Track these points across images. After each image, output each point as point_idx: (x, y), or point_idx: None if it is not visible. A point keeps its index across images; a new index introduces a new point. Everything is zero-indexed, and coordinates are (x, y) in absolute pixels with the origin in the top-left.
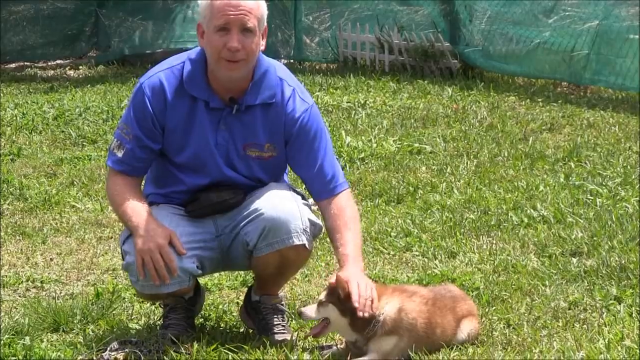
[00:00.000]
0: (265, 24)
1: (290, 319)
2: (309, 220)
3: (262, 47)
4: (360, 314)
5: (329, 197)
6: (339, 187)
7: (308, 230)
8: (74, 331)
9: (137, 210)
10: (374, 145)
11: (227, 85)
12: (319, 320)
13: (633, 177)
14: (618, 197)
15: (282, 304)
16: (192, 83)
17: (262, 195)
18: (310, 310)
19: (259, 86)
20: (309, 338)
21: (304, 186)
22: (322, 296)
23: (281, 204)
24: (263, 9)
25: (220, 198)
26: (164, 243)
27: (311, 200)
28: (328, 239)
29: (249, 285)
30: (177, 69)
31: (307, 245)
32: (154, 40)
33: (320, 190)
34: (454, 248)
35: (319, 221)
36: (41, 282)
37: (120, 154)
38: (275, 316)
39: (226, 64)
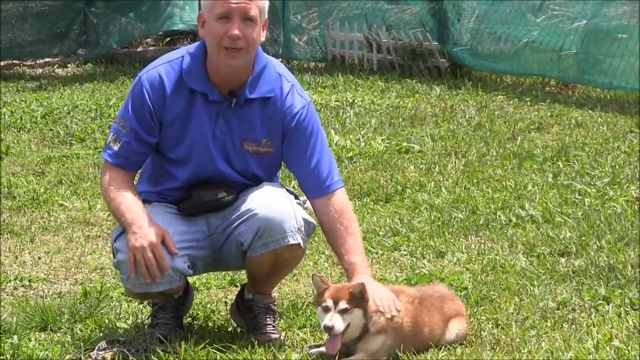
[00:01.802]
0: (266, 15)
1: (279, 318)
2: (303, 219)
3: (262, 38)
4: (388, 316)
5: (325, 195)
6: (335, 185)
7: (302, 229)
8: (62, 330)
9: (131, 206)
10: (362, 144)
11: (227, 77)
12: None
13: (621, 176)
14: (606, 196)
15: (274, 304)
16: (191, 76)
17: (256, 195)
18: (338, 321)
19: (258, 80)
20: (301, 340)
21: (292, 184)
22: (342, 304)
23: (275, 204)
24: (264, 0)
25: (213, 196)
26: (157, 241)
27: (302, 198)
28: (324, 239)
29: (239, 284)
30: (177, 62)
31: (301, 245)
32: (142, 38)
33: (315, 188)
34: (442, 247)
35: (313, 220)
36: (29, 280)
37: (116, 147)
38: (267, 316)
39: (226, 52)
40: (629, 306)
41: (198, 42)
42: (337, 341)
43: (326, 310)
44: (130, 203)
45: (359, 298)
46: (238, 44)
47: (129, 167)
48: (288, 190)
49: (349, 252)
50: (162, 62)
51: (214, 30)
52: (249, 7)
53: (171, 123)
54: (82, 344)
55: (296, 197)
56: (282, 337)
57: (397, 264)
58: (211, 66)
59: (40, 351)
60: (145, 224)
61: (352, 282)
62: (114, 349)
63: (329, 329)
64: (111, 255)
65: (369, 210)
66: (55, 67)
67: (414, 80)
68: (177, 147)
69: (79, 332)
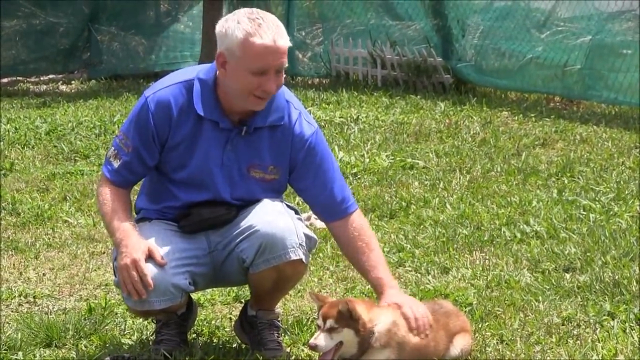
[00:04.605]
0: None
1: (284, 334)
2: (305, 234)
3: None
4: (421, 336)
5: (342, 218)
6: (351, 207)
7: (304, 244)
8: (67, 346)
9: (122, 225)
10: (367, 160)
11: (241, 109)
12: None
13: (626, 192)
14: (611, 212)
15: (278, 320)
16: (202, 104)
17: (256, 211)
18: (323, 339)
19: (268, 109)
20: (306, 356)
21: (297, 200)
22: (330, 323)
23: (276, 220)
24: (288, 39)
25: (213, 214)
26: (140, 257)
27: (306, 215)
28: (329, 255)
29: (243, 300)
30: (185, 86)
31: (303, 260)
32: (146, 56)
33: (332, 212)
34: (447, 263)
35: (314, 235)
36: (34, 297)
37: (116, 165)
38: (271, 332)
39: (256, 100)
40: (634, 322)
41: (209, 67)
42: (328, 356)
43: (318, 328)
44: (121, 221)
45: (347, 317)
46: (269, 95)
47: (125, 186)
48: (288, 206)
49: (374, 268)
50: (171, 84)
51: (245, 82)
52: (284, 60)
53: (175, 147)
54: None
55: (296, 212)
56: (287, 354)
57: (402, 280)
58: (224, 96)
59: None
60: (131, 241)
61: (383, 298)
62: None
63: (312, 348)
64: (112, 272)
65: (374, 226)
66: (59, 83)
67: (418, 96)
68: (181, 170)
69: (83, 348)
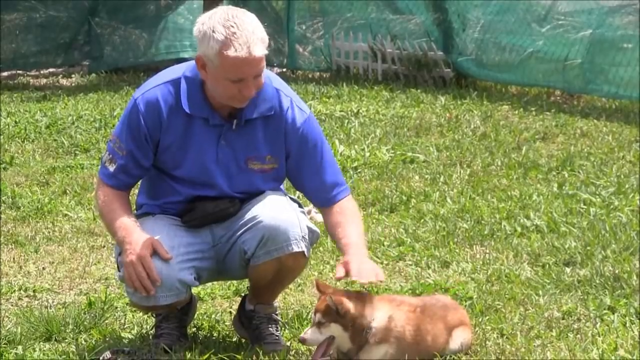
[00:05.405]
0: None
1: (283, 328)
2: (308, 227)
3: None
4: (364, 281)
5: (333, 205)
6: (342, 194)
7: (307, 237)
8: (67, 340)
9: (124, 223)
10: (367, 154)
11: (229, 104)
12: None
13: (626, 186)
14: (611, 206)
15: (276, 314)
16: (190, 102)
17: (259, 204)
18: (312, 333)
19: (257, 99)
20: (306, 350)
21: (298, 194)
22: (318, 317)
23: (279, 212)
24: (266, 43)
25: (217, 208)
26: (145, 253)
27: (307, 208)
28: (329, 249)
29: (243, 294)
30: (172, 84)
31: (305, 253)
32: (146, 49)
33: (323, 199)
34: (447, 257)
35: (317, 229)
36: (34, 291)
37: (112, 168)
38: (269, 326)
39: (237, 102)
40: (634, 316)
41: (194, 63)
42: (318, 354)
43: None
44: (123, 219)
45: (334, 312)
46: (249, 98)
47: (123, 188)
48: (291, 199)
49: (346, 236)
50: (158, 84)
51: (225, 88)
52: (261, 66)
53: (168, 147)
54: (86, 354)
55: (300, 206)
56: (286, 347)
57: (402, 274)
58: (211, 93)
59: None
60: (135, 237)
61: (344, 259)
62: (119, 359)
63: (300, 342)
64: (116, 266)
65: (374, 220)
66: (59, 77)
67: (418, 90)
68: (178, 168)
69: (83, 342)
